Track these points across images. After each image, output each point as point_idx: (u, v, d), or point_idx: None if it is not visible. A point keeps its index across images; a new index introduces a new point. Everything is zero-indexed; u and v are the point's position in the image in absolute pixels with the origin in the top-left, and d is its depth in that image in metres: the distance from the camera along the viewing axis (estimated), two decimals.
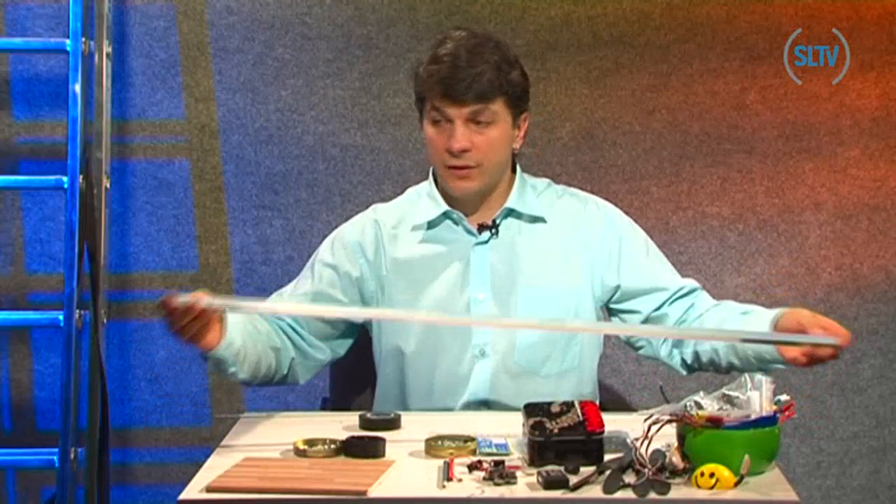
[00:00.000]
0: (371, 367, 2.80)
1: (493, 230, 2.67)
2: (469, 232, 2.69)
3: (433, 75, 2.59)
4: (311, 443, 2.21)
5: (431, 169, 2.77)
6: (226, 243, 3.58)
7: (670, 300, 2.70)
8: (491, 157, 2.63)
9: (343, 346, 2.76)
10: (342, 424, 2.40)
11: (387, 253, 2.71)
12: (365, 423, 2.39)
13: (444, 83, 2.58)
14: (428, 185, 2.76)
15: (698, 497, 1.98)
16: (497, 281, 2.66)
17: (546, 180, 2.79)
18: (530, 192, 2.73)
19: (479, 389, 2.63)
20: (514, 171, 2.75)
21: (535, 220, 2.70)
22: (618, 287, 2.70)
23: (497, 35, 2.74)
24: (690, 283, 2.74)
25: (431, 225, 2.71)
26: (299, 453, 2.19)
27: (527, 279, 2.66)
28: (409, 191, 2.82)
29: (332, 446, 2.20)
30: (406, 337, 2.68)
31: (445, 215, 2.70)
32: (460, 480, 2.05)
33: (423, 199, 2.75)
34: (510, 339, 2.63)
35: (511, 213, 2.69)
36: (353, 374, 2.90)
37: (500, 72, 2.60)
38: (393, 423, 2.40)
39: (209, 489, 2.02)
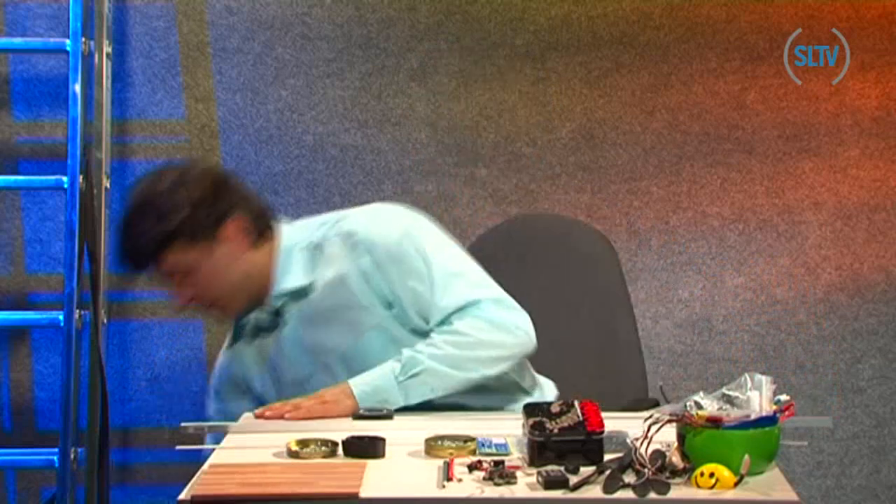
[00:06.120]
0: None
1: (282, 316, 2.64)
2: (269, 327, 2.66)
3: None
4: (303, 444, 2.21)
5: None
6: None
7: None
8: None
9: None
10: (340, 424, 2.40)
11: (244, 376, 2.72)
12: (359, 420, 2.42)
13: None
14: None
15: (698, 497, 1.97)
16: (314, 357, 2.63)
17: (319, 226, 2.66)
18: (299, 258, 2.63)
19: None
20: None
21: (303, 291, 2.63)
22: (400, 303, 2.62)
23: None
24: (454, 303, 2.56)
25: (247, 335, 2.70)
26: (292, 454, 2.19)
27: (337, 344, 2.61)
28: None
29: (325, 447, 2.20)
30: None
31: (244, 321, 2.69)
32: (460, 480, 2.05)
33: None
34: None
35: (285, 294, 2.62)
36: None
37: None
38: (386, 419, 2.42)
39: (194, 498, 1.99)
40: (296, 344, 2.63)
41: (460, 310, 2.53)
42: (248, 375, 2.70)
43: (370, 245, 2.56)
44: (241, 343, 2.71)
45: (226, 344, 2.76)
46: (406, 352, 2.50)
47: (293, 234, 2.65)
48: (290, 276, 2.60)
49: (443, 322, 2.53)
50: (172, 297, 2.61)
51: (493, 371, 2.52)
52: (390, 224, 2.60)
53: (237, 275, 2.59)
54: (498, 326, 2.51)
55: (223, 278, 2.58)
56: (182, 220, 2.54)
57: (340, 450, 2.20)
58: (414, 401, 2.48)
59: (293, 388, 2.61)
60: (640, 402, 2.61)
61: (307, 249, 2.62)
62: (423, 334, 2.54)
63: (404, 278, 2.55)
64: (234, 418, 2.58)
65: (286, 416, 2.43)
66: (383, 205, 2.70)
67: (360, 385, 2.48)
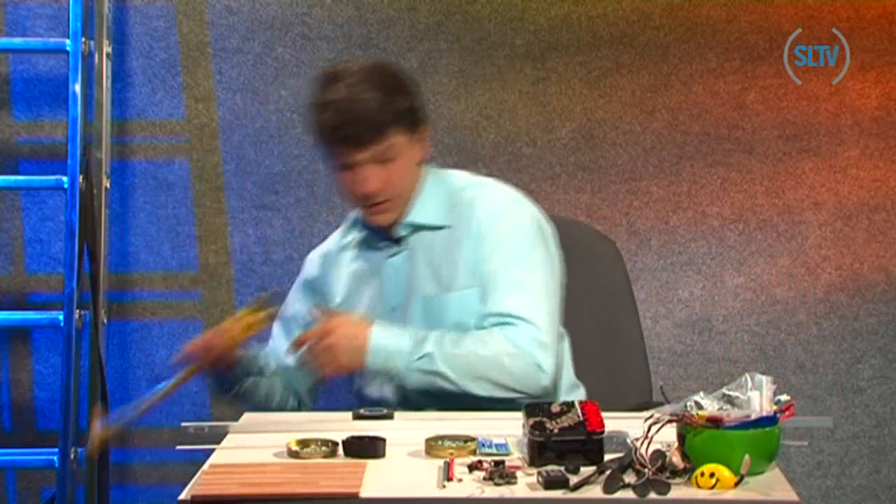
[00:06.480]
0: None
1: (399, 244, 2.68)
2: (380, 248, 2.72)
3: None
4: (303, 444, 2.21)
5: None
6: (226, 243, 3.58)
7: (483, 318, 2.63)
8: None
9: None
10: (339, 423, 2.40)
11: (332, 284, 2.76)
12: (359, 420, 2.42)
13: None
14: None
15: (698, 497, 1.97)
16: (405, 293, 2.67)
17: (461, 179, 2.75)
18: (435, 199, 2.70)
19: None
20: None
21: (427, 229, 2.69)
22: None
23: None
24: (505, 308, 2.60)
25: (355, 245, 2.76)
26: (292, 454, 2.19)
27: (423, 289, 2.66)
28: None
29: (325, 447, 2.20)
30: None
31: (360, 232, 2.75)
32: (460, 480, 2.05)
33: (349, 224, 2.80)
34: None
35: (412, 225, 2.69)
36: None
37: None
38: (386, 419, 2.42)
39: (194, 498, 1.99)
40: (398, 275, 2.68)
41: (500, 316, 2.57)
42: (333, 286, 2.75)
43: (487, 216, 2.65)
44: (342, 253, 2.76)
45: (324, 248, 2.80)
46: (431, 341, 2.53)
47: (435, 177, 2.72)
48: (422, 213, 2.67)
49: (484, 317, 2.58)
50: (353, 186, 2.60)
51: (498, 395, 2.53)
52: (513, 208, 2.69)
53: (413, 180, 2.67)
54: (523, 358, 2.53)
55: (408, 177, 2.64)
56: (409, 107, 2.62)
57: (340, 450, 2.20)
58: (413, 388, 2.54)
59: (377, 314, 2.65)
60: (645, 405, 2.61)
61: (442, 195, 2.69)
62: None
63: (492, 258, 2.61)
64: (303, 322, 2.69)
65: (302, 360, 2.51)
66: (519, 193, 2.74)
67: (379, 339, 2.52)
